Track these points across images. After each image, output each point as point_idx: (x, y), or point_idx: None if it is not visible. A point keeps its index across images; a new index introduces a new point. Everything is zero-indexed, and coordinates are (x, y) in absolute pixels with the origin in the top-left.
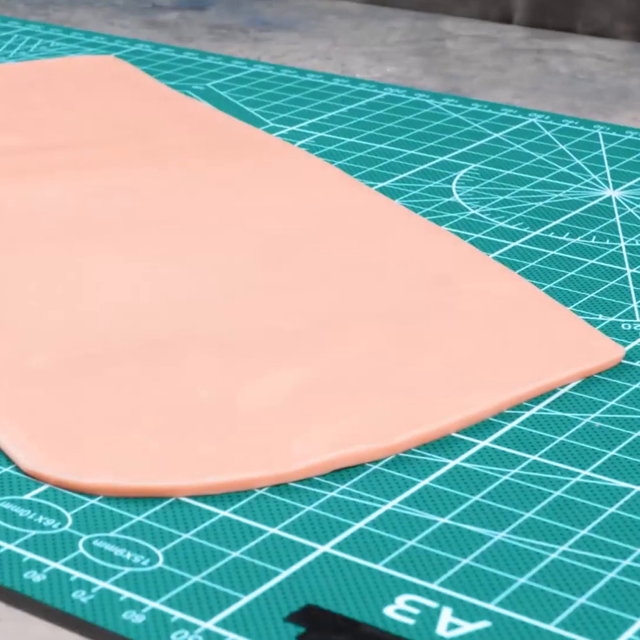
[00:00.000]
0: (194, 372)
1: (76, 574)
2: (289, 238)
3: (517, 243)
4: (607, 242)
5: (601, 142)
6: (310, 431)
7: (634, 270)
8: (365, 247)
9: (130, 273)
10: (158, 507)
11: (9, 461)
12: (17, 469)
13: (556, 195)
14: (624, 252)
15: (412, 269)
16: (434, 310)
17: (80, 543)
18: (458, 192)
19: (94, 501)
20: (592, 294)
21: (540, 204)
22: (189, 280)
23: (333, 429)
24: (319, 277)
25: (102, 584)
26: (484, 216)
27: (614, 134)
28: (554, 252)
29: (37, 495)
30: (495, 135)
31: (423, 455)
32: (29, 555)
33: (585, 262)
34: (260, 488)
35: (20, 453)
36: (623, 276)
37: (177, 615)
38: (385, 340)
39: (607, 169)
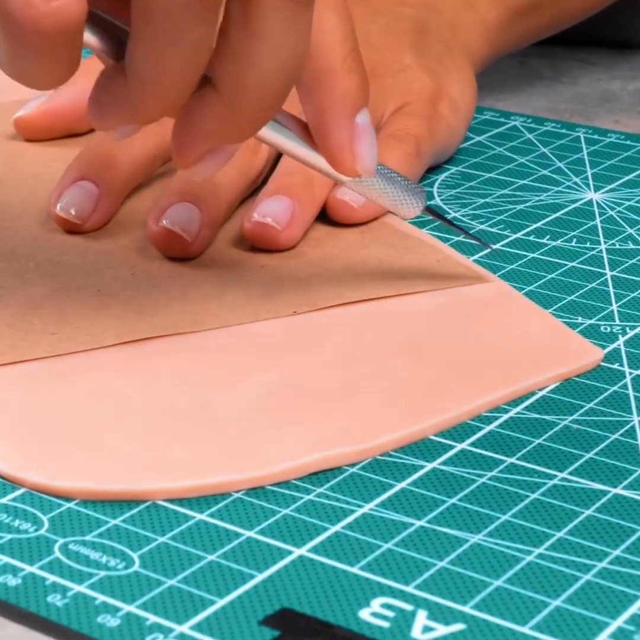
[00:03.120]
0: (170, 376)
1: (52, 578)
2: None
3: (497, 246)
4: (588, 244)
5: (583, 145)
6: (287, 434)
7: (614, 272)
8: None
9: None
10: (134, 511)
11: None
12: None
13: (537, 198)
14: (604, 254)
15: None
16: (412, 312)
17: (56, 547)
18: (439, 195)
19: (70, 505)
20: (572, 297)
21: (522, 206)
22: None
23: (310, 432)
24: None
25: (77, 588)
26: (465, 219)
27: (595, 136)
28: (534, 255)
29: (14, 499)
30: (477, 138)
31: (400, 458)
32: (4, 559)
33: (566, 264)
34: (237, 491)
35: None
36: (603, 279)
37: (152, 618)
38: (361, 343)
39: (589, 172)
